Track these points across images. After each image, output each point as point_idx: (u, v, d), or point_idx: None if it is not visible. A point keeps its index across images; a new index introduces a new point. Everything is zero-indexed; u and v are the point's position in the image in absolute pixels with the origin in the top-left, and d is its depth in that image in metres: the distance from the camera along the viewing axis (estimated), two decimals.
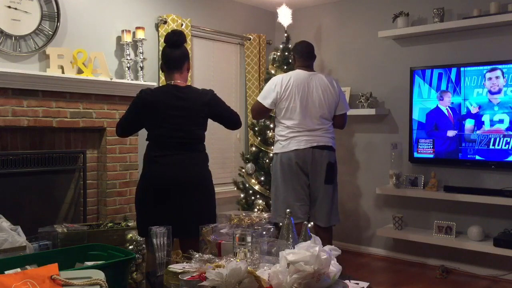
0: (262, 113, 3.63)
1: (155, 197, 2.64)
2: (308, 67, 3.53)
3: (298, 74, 3.48)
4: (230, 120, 2.92)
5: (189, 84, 2.84)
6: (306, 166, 3.40)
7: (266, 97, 3.49)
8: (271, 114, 4.24)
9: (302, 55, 3.55)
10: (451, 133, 3.98)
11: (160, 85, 3.99)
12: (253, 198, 4.27)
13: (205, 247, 2.08)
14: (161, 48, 4.03)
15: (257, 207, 4.19)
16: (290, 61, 4.34)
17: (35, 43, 3.33)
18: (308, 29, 4.97)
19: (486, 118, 3.81)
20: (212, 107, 2.80)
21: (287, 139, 3.43)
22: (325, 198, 3.46)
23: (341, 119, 3.59)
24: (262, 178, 4.24)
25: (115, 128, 2.95)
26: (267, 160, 4.24)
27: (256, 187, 4.25)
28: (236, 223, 2.16)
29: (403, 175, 4.28)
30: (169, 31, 2.87)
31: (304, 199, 3.46)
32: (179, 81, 2.76)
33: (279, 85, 3.44)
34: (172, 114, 2.68)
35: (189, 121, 2.72)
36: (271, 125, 4.26)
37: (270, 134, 4.24)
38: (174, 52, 2.74)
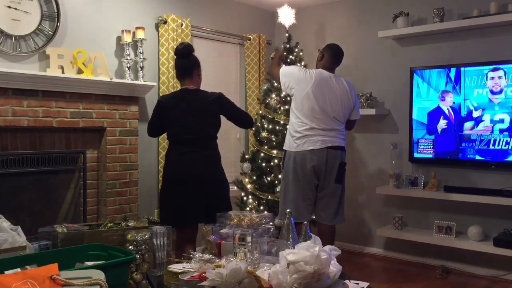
0: (274, 78, 3.82)
1: (173, 189, 3.05)
2: (331, 69, 3.57)
3: (321, 73, 3.50)
4: (240, 118, 3.29)
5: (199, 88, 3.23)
6: (321, 166, 3.40)
7: (286, 75, 3.55)
8: (268, 116, 4.26)
9: (332, 57, 3.57)
10: (451, 133, 3.98)
11: (160, 85, 4.02)
12: (250, 197, 4.29)
13: (205, 247, 2.09)
14: (161, 48, 4.05)
15: (249, 206, 4.21)
16: (295, 53, 4.35)
17: (35, 43, 3.33)
18: (308, 29, 4.97)
19: (486, 118, 3.81)
20: (221, 105, 3.17)
21: (302, 136, 3.41)
22: (334, 197, 3.48)
23: (352, 124, 3.71)
24: (254, 178, 4.25)
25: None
26: (259, 161, 4.25)
27: (248, 186, 4.26)
28: (236, 223, 2.16)
29: (403, 175, 4.28)
30: (178, 44, 3.27)
31: (311, 199, 3.49)
32: (189, 86, 3.15)
33: (302, 71, 3.51)
34: (182, 114, 3.07)
35: (198, 120, 3.08)
36: (265, 125, 4.27)
37: (264, 134, 4.25)
38: (183, 62, 3.15)
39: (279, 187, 4.09)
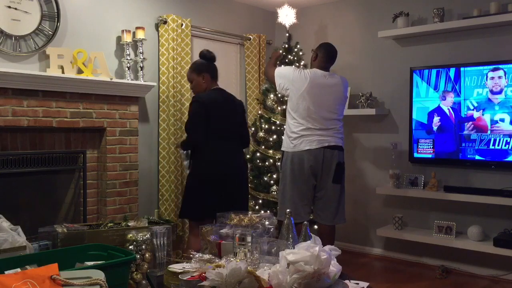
0: (269, 79, 3.84)
1: (210, 183, 3.19)
2: (326, 68, 3.58)
3: (315, 72, 3.51)
4: (247, 133, 3.52)
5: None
6: (318, 166, 3.41)
7: (281, 76, 3.59)
8: (265, 116, 4.25)
9: (326, 56, 3.58)
10: (451, 133, 3.98)
11: (160, 85, 4.01)
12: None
13: (205, 247, 2.09)
14: (161, 48, 4.04)
15: None
16: (292, 52, 4.35)
17: (35, 43, 3.33)
18: (307, 29, 4.97)
19: (486, 118, 3.81)
20: (242, 113, 3.49)
21: (299, 137, 3.42)
22: (332, 197, 3.48)
23: None
24: (251, 177, 4.26)
25: (181, 146, 3.51)
26: (257, 160, 4.26)
27: None
28: (236, 223, 2.16)
29: (403, 175, 4.28)
30: (203, 49, 3.51)
31: (309, 199, 3.49)
32: (219, 87, 3.41)
33: (297, 71, 3.53)
34: (226, 113, 3.29)
35: (235, 118, 3.36)
36: (263, 125, 4.27)
37: (261, 134, 4.25)
38: (214, 65, 3.45)
39: (274, 187, 4.11)
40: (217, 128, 3.23)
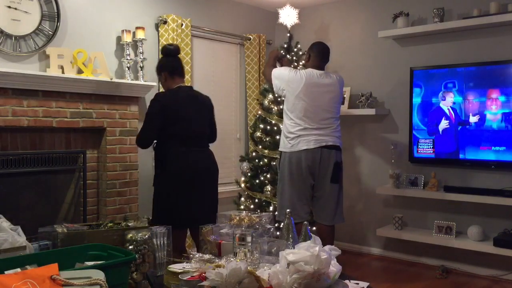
0: (267, 79, 3.80)
1: (182, 186, 3.00)
2: (321, 67, 3.59)
3: (311, 72, 3.52)
4: (214, 131, 3.32)
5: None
6: (315, 166, 3.42)
7: (277, 77, 3.59)
8: (262, 116, 4.25)
9: (318, 55, 3.60)
10: (451, 133, 3.98)
11: (160, 85, 4.01)
12: (245, 195, 4.30)
13: (205, 247, 2.09)
14: (161, 48, 4.04)
15: (242, 205, 4.22)
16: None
17: (35, 43, 3.33)
18: (308, 29, 4.97)
19: (485, 118, 3.81)
20: (210, 110, 3.28)
21: (296, 137, 3.43)
22: (330, 197, 3.49)
23: None
24: (249, 177, 4.26)
25: (136, 142, 3.23)
26: (256, 160, 4.26)
27: (242, 185, 4.27)
28: (236, 223, 2.16)
29: (403, 175, 4.28)
30: (164, 44, 3.23)
31: (308, 199, 3.50)
32: (183, 84, 3.17)
33: (293, 72, 3.53)
34: (188, 112, 3.07)
35: (202, 117, 3.15)
36: (260, 125, 4.27)
37: (258, 134, 4.26)
38: (177, 61, 3.17)
39: (268, 186, 4.12)
40: (180, 130, 3.03)
